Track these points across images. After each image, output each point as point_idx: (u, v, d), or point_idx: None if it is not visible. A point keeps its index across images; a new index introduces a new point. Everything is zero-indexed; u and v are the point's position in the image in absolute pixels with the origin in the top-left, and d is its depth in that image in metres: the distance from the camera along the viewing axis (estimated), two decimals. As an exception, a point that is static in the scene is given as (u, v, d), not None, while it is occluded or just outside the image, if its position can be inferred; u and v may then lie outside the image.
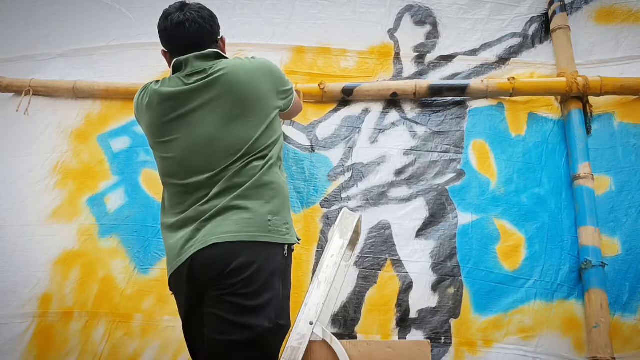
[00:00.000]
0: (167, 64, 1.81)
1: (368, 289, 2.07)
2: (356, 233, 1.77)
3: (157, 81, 1.72)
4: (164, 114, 1.65)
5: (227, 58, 1.73)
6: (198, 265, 1.50)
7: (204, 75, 1.63)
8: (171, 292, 1.66)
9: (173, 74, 1.72)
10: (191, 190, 1.59)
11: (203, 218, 1.54)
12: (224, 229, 1.51)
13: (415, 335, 1.99)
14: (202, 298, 1.54)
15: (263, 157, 1.63)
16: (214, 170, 1.58)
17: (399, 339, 1.99)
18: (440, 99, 2.36)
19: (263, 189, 1.59)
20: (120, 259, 2.18)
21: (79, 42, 2.69)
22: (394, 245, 2.13)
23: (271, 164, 1.65)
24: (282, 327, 1.51)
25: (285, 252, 1.57)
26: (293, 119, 2.31)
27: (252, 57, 1.76)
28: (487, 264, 2.09)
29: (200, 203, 1.57)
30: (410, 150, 2.29)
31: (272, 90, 1.70)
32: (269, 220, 1.56)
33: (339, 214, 1.77)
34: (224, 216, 1.53)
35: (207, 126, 1.60)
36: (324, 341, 1.54)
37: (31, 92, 2.52)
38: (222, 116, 1.60)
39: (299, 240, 1.66)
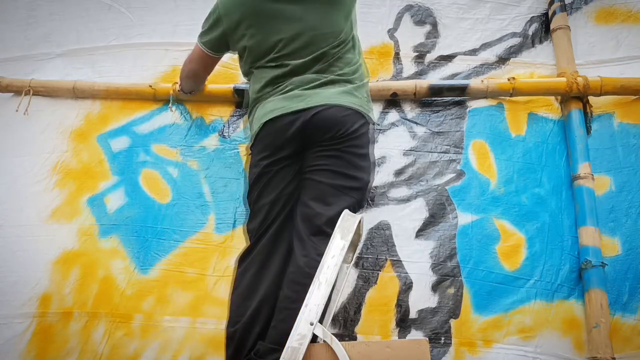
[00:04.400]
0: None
1: (368, 290, 2.07)
2: (358, 234, 1.77)
3: None
4: None
5: None
6: (319, 120, 1.79)
7: None
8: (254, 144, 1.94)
9: None
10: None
11: (315, 83, 1.85)
12: (339, 96, 1.82)
13: (415, 336, 1.98)
14: (305, 153, 1.86)
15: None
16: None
17: (399, 339, 1.99)
18: (440, 99, 2.36)
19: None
20: (120, 259, 2.18)
21: (79, 42, 2.69)
22: (393, 245, 2.13)
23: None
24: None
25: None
26: None
27: None
28: (487, 264, 2.08)
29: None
30: (410, 150, 2.29)
31: None
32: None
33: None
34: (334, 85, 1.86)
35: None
36: (324, 342, 1.54)
37: (31, 92, 2.51)
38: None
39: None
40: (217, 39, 2.04)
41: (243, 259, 1.84)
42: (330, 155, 1.81)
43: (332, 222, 1.74)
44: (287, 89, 1.88)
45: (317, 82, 1.86)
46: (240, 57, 2.07)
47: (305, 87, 1.85)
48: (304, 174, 1.86)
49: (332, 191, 1.79)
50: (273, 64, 1.92)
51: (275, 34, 1.91)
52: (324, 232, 1.74)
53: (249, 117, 2.04)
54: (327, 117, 1.80)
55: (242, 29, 1.96)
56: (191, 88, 2.35)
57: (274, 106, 1.87)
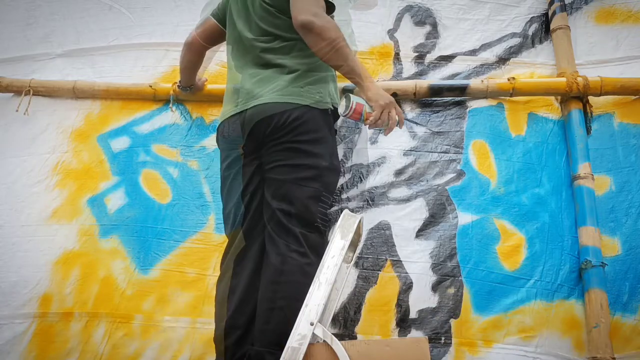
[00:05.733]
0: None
1: (368, 290, 2.07)
2: (357, 234, 1.77)
3: None
4: None
5: None
6: (256, 118, 1.78)
7: None
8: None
9: None
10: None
11: (252, 81, 1.85)
12: (274, 91, 1.81)
13: (415, 336, 1.98)
14: (260, 151, 1.83)
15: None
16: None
17: (399, 338, 1.99)
18: (440, 99, 2.36)
19: None
20: (121, 260, 2.18)
21: (79, 42, 2.69)
22: (394, 245, 2.13)
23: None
24: (337, 168, 1.87)
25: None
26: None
27: None
28: (487, 264, 2.09)
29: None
30: (410, 150, 2.29)
31: None
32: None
33: (339, 215, 1.78)
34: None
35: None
36: (324, 342, 1.54)
37: (31, 92, 2.52)
38: None
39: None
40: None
41: (221, 266, 1.87)
42: (280, 150, 1.79)
43: (298, 218, 1.73)
44: (228, 90, 1.93)
45: (253, 80, 1.86)
46: None
47: (242, 86, 1.87)
48: (264, 173, 1.85)
49: (291, 186, 1.77)
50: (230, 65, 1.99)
51: (229, 34, 2.04)
52: (291, 230, 1.72)
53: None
54: (264, 114, 1.79)
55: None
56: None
57: (221, 113, 1.93)
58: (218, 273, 2.10)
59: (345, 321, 2.02)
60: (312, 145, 1.80)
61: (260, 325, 1.65)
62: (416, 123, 2.34)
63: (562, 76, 2.29)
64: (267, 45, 1.88)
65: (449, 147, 2.28)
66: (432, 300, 2.04)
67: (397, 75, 2.44)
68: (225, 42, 2.13)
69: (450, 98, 2.36)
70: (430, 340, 1.95)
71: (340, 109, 1.81)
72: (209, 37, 2.20)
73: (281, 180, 1.78)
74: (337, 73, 1.90)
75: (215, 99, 2.44)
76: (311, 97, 1.83)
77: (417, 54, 2.48)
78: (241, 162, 1.86)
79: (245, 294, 1.74)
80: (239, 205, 1.84)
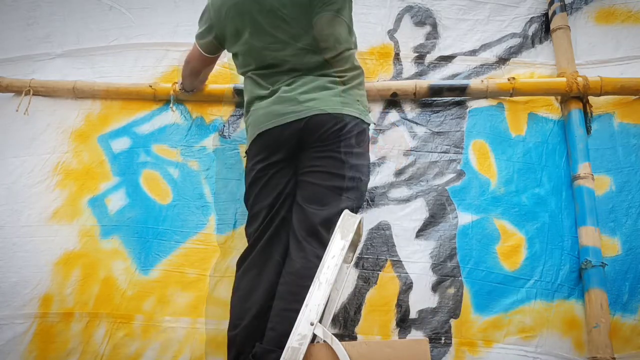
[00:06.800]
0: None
1: (368, 290, 2.07)
2: (357, 234, 1.77)
3: None
4: None
5: None
6: (312, 125, 1.80)
7: None
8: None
9: None
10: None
11: (307, 88, 1.86)
12: (330, 99, 1.84)
13: (415, 336, 1.99)
14: (299, 155, 1.86)
15: None
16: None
17: (399, 339, 1.99)
18: (440, 99, 2.37)
19: None
20: (121, 260, 2.18)
21: (79, 42, 2.69)
22: (394, 245, 2.13)
23: None
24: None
25: None
26: None
27: None
28: (487, 264, 2.09)
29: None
30: (410, 150, 2.29)
31: None
32: None
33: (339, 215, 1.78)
34: None
35: None
36: (324, 342, 1.54)
37: (31, 92, 2.52)
38: None
39: None
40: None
41: (242, 261, 1.85)
42: (324, 157, 1.81)
43: (327, 223, 1.74)
44: (279, 93, 1.88)
45: (308, 87, 1.85)
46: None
47: (297, 91, 1.85)
48: (300, 176, 1.87)
49: (328, 192, 1.79)
50: (265, 70, 1.93)
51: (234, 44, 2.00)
52: (319, 233, 1.74)
53: (245, 119, 2.03)
54: (320, 122, 1.80)
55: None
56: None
57: (269, 114, 1.86)
58: (219, 274, 2.12)
59: (345, 321, 2.02)
60: (358, 158, 1.84)
61: (274, 324, 1.65)
62: (416, 123, 2.34)
63: (562, 76, 2.29)
64: (322, 55, 1.88)
65: (449, 147, 2.28)
66: (432, 301, 2.04)
67: (397, 76, 2.44)
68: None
69: (450, 98, 2.36)
70: (431, 340, 1.95)
71: None
72: (212, 56, 2.19)
73: (320, 186, 1.80)
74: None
75: (215, 99, 2.45)
76: (362, 110, 1.87)
77: (417, 54, 2.48)
78: (281, 165, 1.87)
79: (269, 294, 1.74)
80: (271, 206, 1.84)
